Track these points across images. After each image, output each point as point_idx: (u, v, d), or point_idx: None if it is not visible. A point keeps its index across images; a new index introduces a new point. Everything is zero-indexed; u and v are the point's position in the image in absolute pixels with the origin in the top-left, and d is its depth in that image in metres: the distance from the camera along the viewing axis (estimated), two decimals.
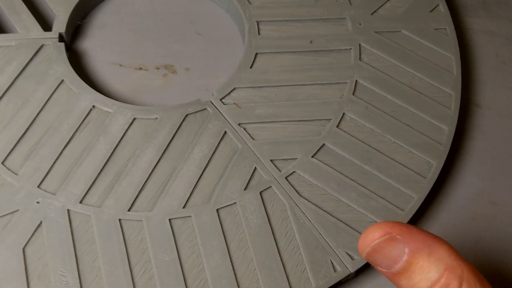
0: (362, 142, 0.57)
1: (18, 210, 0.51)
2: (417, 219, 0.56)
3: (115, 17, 0.66)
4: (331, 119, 0.58)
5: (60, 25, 0.62)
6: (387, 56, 0.62)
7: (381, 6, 0.66)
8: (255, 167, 0.55)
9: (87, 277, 0.49)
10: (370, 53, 0.63)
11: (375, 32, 0.64)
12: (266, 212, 0.53)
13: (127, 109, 0.57)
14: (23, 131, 0.55)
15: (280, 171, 0.55)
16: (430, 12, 0.66)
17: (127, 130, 0.56)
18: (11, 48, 0.60)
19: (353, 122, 0.58)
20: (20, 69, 0.58)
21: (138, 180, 0.54)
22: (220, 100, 0.58)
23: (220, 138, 0.56)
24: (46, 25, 0.63)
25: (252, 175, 0.55)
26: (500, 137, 0.61)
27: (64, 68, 0.59)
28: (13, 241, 0.50)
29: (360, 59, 0.62)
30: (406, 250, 0.32)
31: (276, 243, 0.51)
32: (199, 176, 0.54)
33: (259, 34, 0.63)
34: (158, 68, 0.63)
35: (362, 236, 0.34)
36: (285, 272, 0.50)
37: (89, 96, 0.58)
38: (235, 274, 0.50)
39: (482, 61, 0.67)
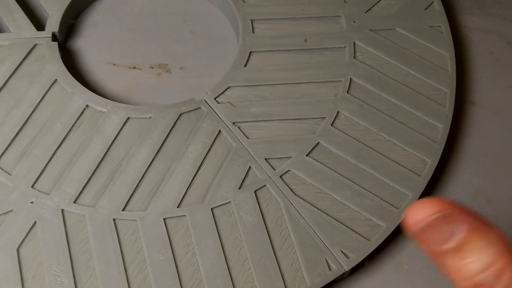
0: (357, 140, 0.57)
1: (12, 210, 0.51)
2: None
3: (109, 16, 0.66)
4: (325, 117, 0.58)
5: (53, 24, 0.62)
6: (382, 54, 0.62)
7: (376, 4, 0.66)
8: (250, 166, 0.55)
9: (81, 277, 0.49)
10: (365, 51, 0.63)
11: (369, 30, 0.64)
12: (260, 211, 0.53)
13: (121, 108, 0.57)
14: (16, 131, 0.55)
15: (274, 169, 0.55)
16: (424, 9, 0.66)
17: (121, 129, 0.56)
18: (4, 47, 0.60)
19: (348, 121, 0.58)
20: (13, 69, 0.58)
21: (132, 180, 0.53)
22: (215, 99, 0.58)
23: (214, 137, 0.56)
24: (39, 25, 0.62)
25: (246, 174, 0.55)
26: (495, 134, 0.61)
27: (57, 67, 0.59)
28: (7, 242, 0.50)
29: (354, 57, 0.62)
30: (463, 228, 0.30)
31: (271, 242, 0.51)
32: (193, 175, 0.54)
33: (253, 32, 0.63)
34: (152, 67, 0.63)
35: (411, 212, 0.31)
36: (280, 271, 0.50)
37: (83, 95, 0.57)
38: (230, 273, 0.50)
39: (476, 58, 0.67)
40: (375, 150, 0.56)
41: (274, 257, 0.51)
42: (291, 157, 0.56)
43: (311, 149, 0.56)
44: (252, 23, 0.63)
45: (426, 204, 0.31)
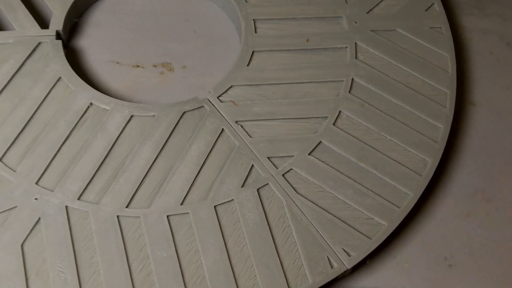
0: (359, 140, 0.57)
1: (16, 206, 0.51)
2: (412, 216, 0.56)
3: (112, 15, 0.66)
4: (327, 117, 0.58)
5: (57, 22, 0.62)
6: (383, 54, 0.63)
7: (377, 5, 0.66)
8: (252, 164, 0.55)
9: (85, 273, 0.49)
10: (366, 52, 0.63)
11: (371, 30, 0.64)
12: (263, 209, 0.53)
13: (125, 106, 0.57)
14: (20, 129, 0.55)
15: (277, 168, 0.55)
16: (425, 10, 0.67)
17: (124, 127, 0.56)
18: (8, 45, 0.60)
19: (350, 120, 0.59)
20: (17, 67, 0.58)
21: (135, 177, 0.54)
22: (217, 97, 0.59)
23: (217, 136, 0.56)
24: (43, 23, 0.63)
25: (249, 172, 0.55)
26: (495, 135, 0.62)
27: (61, 65, 0.59)
28: (12, 238, 0.50)
29: (356, 57, 0.62)
30: None
31: (273, 240, 0.52)
32: (196, 173, 0.54)
33: (255, 32, 0.63)
34: (155, 66, 0.63)
35: None
36: (282, 269, 0.51)
37: (87, 93, 0.58)
38: (232, 270, 0.50)
39: (476, 59, 0.67)
40: (376, 150, 0.57)
41: (277, 254, 0.51)
42: (293, 156, 0.56)
43: (313, 148, 0.57)
44: (254, 23, 0.64)
45: None
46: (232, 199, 0.53)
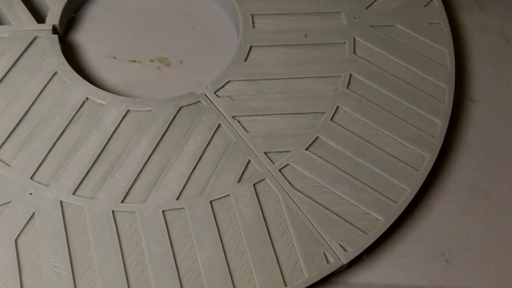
0: (356, 135, 0.57)
1: (11, 201, 0.51)
2: (409, 212, 0.56)
3: (109, 10, 0.66)
4: (325, 112, 0.58)
5: (53, 17, 0.62)
6: (381, 50, 0.62)
7: (376, 0, 0.66)
8: (249, 160, 0.55)
9: (79, 269, 0.49)
10: (365, 47, 0.63)
11: (369, 26, 0.64)
12: (259, 204, 0.53)
13: (121, 101, 0.57)
14: (15, 123, 0.55)
15: (273, 163, 0.55)
16: (424, 6, 0.66)
17: (120, 122, 0.56)
18: (4, 40, 0.60)
19: (347, 116, 0.58)
20: (13, 61, 0.58)
21: (131, 172, 0.53)
22: (214, 93, 0.58)
23: (214, 131, 0.56)
24: (39, 17, 0.62)
25: (245, 167, 0.55)
26: (494, 131, 0.62)
27: (57, 60, 0.59)
28: (6, 233, 0.50)
29: (354, 53, 0.62)
30: None
31: (269, 235, 0.51)
32: (192, 168, 0.54)
33: (253, 27, 0.63)
34: (152, 61, 0.63)
35: None
36: (278, 264, 0.50)
37: (83, 88, 0.57)
38: (228, 265, 0.50)
39: (476, 56, 0.67)
40: (374, 145, 0.57)
41: (273, 250, 0.51)
42: (290, 151, 0.56)
43: (310, 143, 0.56)
44: (252, 18, 0.63)
45: None
46: (228, 194, 0.53)
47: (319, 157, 0.55)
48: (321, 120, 0.58)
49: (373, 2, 0.66)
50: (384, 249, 0.54)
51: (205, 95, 0.58)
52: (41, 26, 0.61)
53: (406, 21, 0.65)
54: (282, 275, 0.50)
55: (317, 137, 0.57)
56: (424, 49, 0.63)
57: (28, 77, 0.58)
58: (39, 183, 0.52)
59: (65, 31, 0.64)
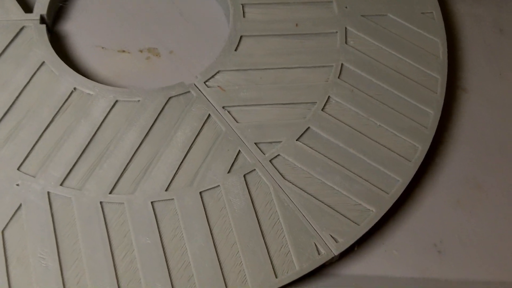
0: (347, 125, 0.56)
1: None
2: (401, 203, 0.55)
3: None
4: (316, 102, 0.57)
5: (41, 6, 0.61)
6: (373, 39, 0.62)
7: None
8: (239, 150, 0.54)
9: (67, 260, 0.48)
10: (356, 37, 0.62)
11: (361, 15, 0.63)
12: (250, 195, 0.52)
13: (109, 91, 0.56)
14: (2, 114, 0.54)
15: (264, 154, 0.54)
16: None
17: (108, 112, 0.55)
18: None
19: (339, 106, 0.58)
20: (0, 51, 0.57)
21: (120, 163, 0.53)
22: (204, 83, 0.58)
23: (203, 121, 0.55)
24: (27, 7, 0.61)
25: (236, 158, 0.54)
26: (486, 121, 0.61)
27: (45, 50, 0.58)
28: None
29: (346, 42, 0.61)
30: None
31: (259, 226, 0.51)
32: (182, 159, 0.53)
33: (244, 16, 0.62)
34: (141, 51, 0.62)
35: None
36: (269, 255, 0.50)
37: (71, 78, 0.57)
38: (218, 257, 0.49)
39: (468, 45, 0.66)
40: (365, 135, 0.56)
41: (263, 241, 0.50)
42: (281, 141, 0.55)
43: (301, 134, 0.56)
44: (243, 7, 0.63)
45: None
46: (218, 185, 0.52)
47: (310, 147, 0.55)
48: (312, 110, 0.57)
49: None
50: (376, 241, 0.54)
51: (195, 85, 0.57)
52: (28, 15, 0.60)
53: (398, 10, 0.64)
54: (272, 266, 0.49)
55: (308, 128, 0.56)
56: (416, 39, 0.63)
57: (15, 67, 0.57)
58: (26, 174, 0.52)
59: (53, 21, 0.63)
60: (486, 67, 0.65)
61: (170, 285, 0.48)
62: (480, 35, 0.67)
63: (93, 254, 0.49)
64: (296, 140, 0.55)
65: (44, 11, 0.61)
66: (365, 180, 0.54)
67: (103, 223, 0.50)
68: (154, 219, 0.50)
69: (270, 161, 0.54)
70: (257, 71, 0.59)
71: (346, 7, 0.64)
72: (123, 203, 0.51)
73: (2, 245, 0.48)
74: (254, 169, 0.53)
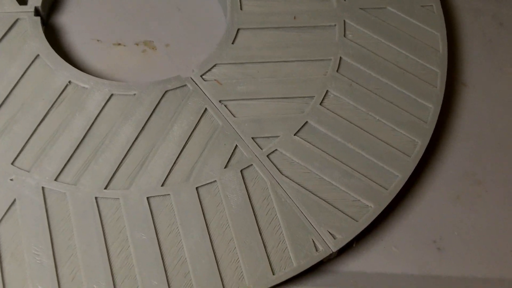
0: (346, 120, 0.56)
1: None
2: (401, 198, 0.55)
3: None
4: (314, 96, 0.57)
5: None
6: (372, 33, 0.61)
7: None
8: (236, 145, 0.54)
9: (62, 256, 0.48)
10: (355, 30, 0.61)
11: (360, 8, 0.63)
12: (247, 190, 0.52)
13: (104, 85, 0.55)
14: None
15: (261, 149, 0.54)
16: None
17: (104, 106, 0.54)
18: None
19: (337, 100, 0.57)
20: None
21: (115, 158, 0.52)
22: (201, 76, 0.57)
23: (200, 115, 0.55)
24: None
25: (232, 153, 0.53)
26: (486, 116, 0.61)
27: (39, 43, 0.57)
28: None
29: (344, 35, 0.61)
30: None
31: (257, 222, 0.50)
32: (178, 153, 0.53)
33: (241, 9, 0.61)
34: (137, 44, 0.62)
35: None
36: (266, 251, 0.49)
37: (65, 71, 0.56)
38: (214, 253, 0.49)
39: (468, 39, 0.66)
40: (364, 130, 0.55)
41: (260, 237, 0.50)
42: (278, 136, 0.54)
43: (299, 128, 0.55)
44: None
45: None
46: (215, 180, 0.52)
47: (308, 142, 0.54)
48: (310, 105, 0.56)
49: None
50: (374, 237, 0.53)
51: (191, 78, 0.57)
52: (23, 8, 0.59)
53: (398, 3, 0.64)
54: (270, 263, 0.49)
55: (306, 122, 0.55)
56: (416, 32, 0.62)
57: (9, 61, 0.56)
58: (20, 168, 0.51)
59: (48, 13, 0.63)
60: (486, 61, 0.64)
61: (166, 281, 0.48)
62: (480, 29, 0.66)
63: (88, 250, 0.48)
64: (294, 135, 0.55)
65: (38, 3, 0.60)
66: (364, 175, 0.53)
67: (98, 218, 0.49)
68: (150, 215, 0.50)
69: (267, 156, 0.53)
70: (255, 65, 0.58)
71: (344, 0, 0.63)
72: (118, 198, 0.50)
73: None
74: (251, 164, 0.53)
